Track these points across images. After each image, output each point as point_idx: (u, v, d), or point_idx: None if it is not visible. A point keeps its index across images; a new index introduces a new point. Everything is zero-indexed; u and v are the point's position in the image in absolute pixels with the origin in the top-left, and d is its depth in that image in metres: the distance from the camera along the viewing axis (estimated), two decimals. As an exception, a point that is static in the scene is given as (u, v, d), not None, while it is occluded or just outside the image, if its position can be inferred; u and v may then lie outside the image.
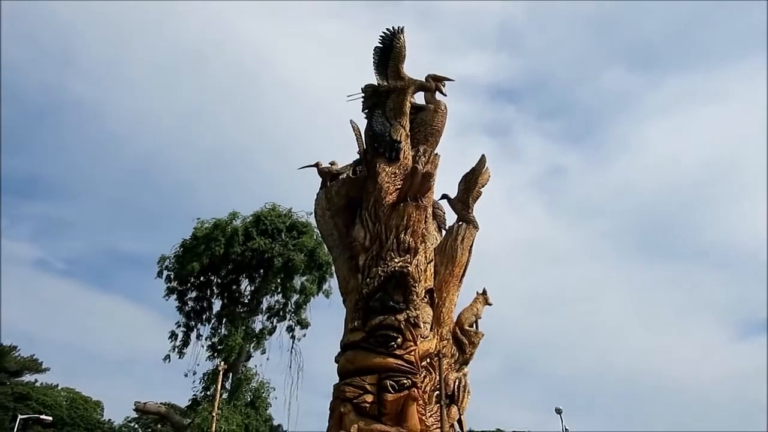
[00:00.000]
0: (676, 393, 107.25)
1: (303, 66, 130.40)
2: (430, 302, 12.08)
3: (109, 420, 60.01)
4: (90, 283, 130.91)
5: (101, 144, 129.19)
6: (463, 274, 13.33)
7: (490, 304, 13.99)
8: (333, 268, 15.26)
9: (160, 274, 33.81)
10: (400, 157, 12.80)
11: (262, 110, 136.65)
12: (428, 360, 11.45)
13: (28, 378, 57.54)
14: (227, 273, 33.79)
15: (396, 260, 11.39)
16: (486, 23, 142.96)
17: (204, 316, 33.82)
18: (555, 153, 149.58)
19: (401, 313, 10.97)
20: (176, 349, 32.85)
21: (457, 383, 12.50)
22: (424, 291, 11.86)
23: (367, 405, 10.40)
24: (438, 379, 10.81)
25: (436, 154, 13.50)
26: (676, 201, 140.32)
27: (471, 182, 13.94)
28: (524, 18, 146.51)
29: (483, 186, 14.20)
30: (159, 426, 52.00)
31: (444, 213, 14.50)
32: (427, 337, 11.50)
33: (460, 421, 12.38)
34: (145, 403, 32.90)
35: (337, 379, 11.19)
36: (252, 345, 32.84)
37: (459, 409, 12.32)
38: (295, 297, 33.87)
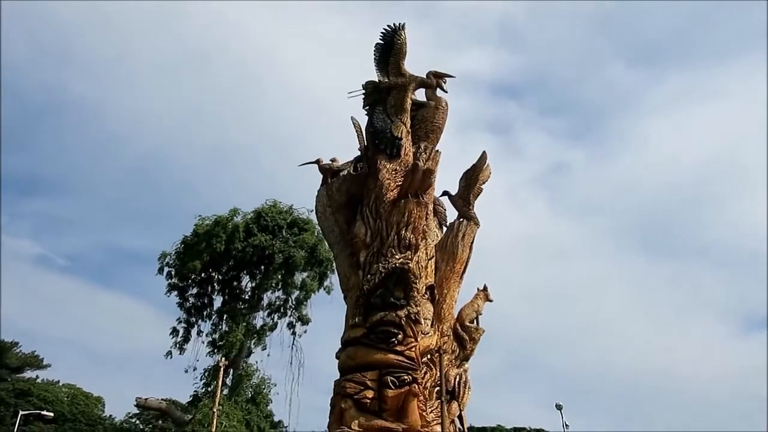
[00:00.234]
0: (677, 390, 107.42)
1: (304, 64, 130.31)
2: (431, 299, 12.10)
3: (111, 416, 60.16)
4: (91, 280, 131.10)
5: (102, 142, 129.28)
6: (463, 271, 13.35)
7: (490, 301, 14.01)
8: (334, 264, 15.28)
9: (161, 270, 33.91)
10: (401, 154, 12.80)
11: (263, 108, 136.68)
12: (429, 356, 11.47)
13: (29, 374, 57.71)
14: (228, 269, 33.85)
15: (397, 257, 11.40)
16: (487, 19, 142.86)
17: (205, 313, 33.91)
18: (557, 150, 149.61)
19: (402, 310, 11.01)
20: (177, 345, 32.93)
21: (457, 379, 12.53)
22: (424, 287, 11.89)
23: (368, 401, 10.44)
24: (439, 375, 10.84)
25: (437, 150, 13.50)
26: (677, 198, 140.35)
27: (472, 179, 13.96)
28: (525, 14, 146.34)
29: (484, 183, 14.21)
30: (160, 422, 52.09)
31: (445, 210, 14.51)
32: (427, 333, 11.53)
33: (460, 417, 12.42)
34: (146, 399, 33.00)
35: (337, 375, 11.22)
36: (253, 341, 32.89)
37: (460, 405, 12.35)
38: (296, 293, 33.92)
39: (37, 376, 57.94)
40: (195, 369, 32.04)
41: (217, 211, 34.28)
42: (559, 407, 40.91)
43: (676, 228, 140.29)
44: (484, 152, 14.05)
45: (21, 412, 42.45)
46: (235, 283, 34.21)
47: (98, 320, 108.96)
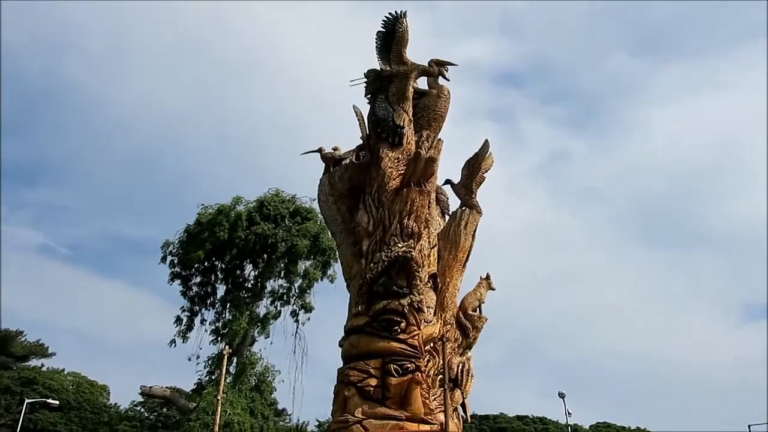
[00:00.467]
0: (677, 378, 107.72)
1: (306, 53, 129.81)
2: (434, 287, 12.12)
3: (116, 404, 60.48)
4: (94, 269, 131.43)
5: (104, 130, 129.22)
6: (466, 259, 13.36)
7: (493, 289, 14.02)
8: (337, 253, 15.30)
9: (164, 259, 33.95)
10: (403, 143, 12.79)
11: (266, 97, 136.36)
12: (432, 344, 11.51)
13: (34, 363, 57.96)
14: (231, 258, 33.86)
15: (399, 245, 11.42)
16: (488, 8, 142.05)
17: (208, 301, 33.94)
18: (559, 138, 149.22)
19: (405, 298, 11.03)
20: (181, 334, 33.00)
21: (460, 367, 12.57)
22: (427, 276, 11.90)
23: (371, 388, 10.49)
24: (442, 363, 10.88)
25: (439, 139, 13.49)
26: (678, 187, 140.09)
27: (474, 167, 13.93)
28: (526, 3, 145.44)
29: (486, 171, 14.18)
30: (165, 410, 52.41)
31: (447, 198, 14.51)
32: (430, 321, 11.56)
33: (463, 405, 12.47)
34: (150, 387, 33.16)
35: (341, 364, 11.28)
36: (256, 330, 32.96)
37: (462, 393, 12.40)
38: (299, 282, 33.93)
39: (42, 365, 58.23)
40: (198, 357, 32.16)
41: (220, 200, 34.30)
42: (561, 395, 41.11)
43: (678, 217, 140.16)
44: (486, 141, 14.02)
45: (27, 400, 42.72)
46: (238, 272, 34.21)
47: (102, 309, 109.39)
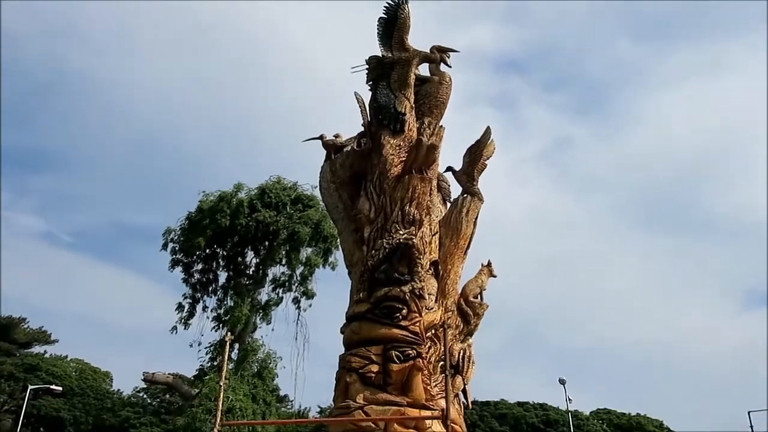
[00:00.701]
0: (679, 364, 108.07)
1: (308, 39, 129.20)
2: (435, 274, 12.14)
3: (119, 390, 60.86)
4: (96, 257, 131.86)
5: (107, 118, 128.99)
6: (467, 247, 13.37)
7: (494, 276, 14.04)
8: (338, 240, 15.31)
9: (165, 246, 33.99)
10: (404, 130, 12.76)
11: (267, 84, 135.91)
12: (433, 331, 11.54)
13: (37, 349, 58.26)
14: (233, 245, 33.89)
15: (401, 232, 11.42)
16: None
17: (210, 288, 34.01)
18: (562, 125, 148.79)
19: (406, 285, 11.05)
20: (182, 321, 33.09)
21: (461, 354, 12.61)
22: (428, 263, 11.92)
23: (373, 375, 10.53)
24: (443, 349, 10.91)
25: (441, 126, 13.46)
26: (682, 173, 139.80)
27: (476, 154, 13.91)
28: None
29: (488, 158, 14.16)
30: (167, 396, 52.76)
31: (449, 185, 14.50)
32: (431, 308, 11.59)
33: (464, 391, 12.53)
34: (153, 374, 33.36)
35: (342, 350, 11.32)
36: (259, 316, 33.06)
37: (464, 379, 12.45)
38: (301, 269, 33.98)
39: (45, 351, 58.54)
40: (200, 344, 32.27)
41: (221, 187, 34.29)
42: (562, 382, 41.34)
43: (681, 203, 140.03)
44: (488, 127, 13.98)
45: (30, 387, 42.96)
46: (239, 259, 34.26)
47: (104, 296, 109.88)
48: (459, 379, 12.32)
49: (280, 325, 33.18)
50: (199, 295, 33.81)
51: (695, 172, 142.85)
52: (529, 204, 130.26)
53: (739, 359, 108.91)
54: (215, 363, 30.94)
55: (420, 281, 11.24)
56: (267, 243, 33.73)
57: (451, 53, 13.82)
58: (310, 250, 34.10)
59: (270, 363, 32.33)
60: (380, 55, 13.32)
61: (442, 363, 11.26)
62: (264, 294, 34.05)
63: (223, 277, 34.23)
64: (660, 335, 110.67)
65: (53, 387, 45.06)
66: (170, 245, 33.94)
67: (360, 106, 13.50)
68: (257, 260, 34.33)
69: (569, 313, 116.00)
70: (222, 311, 32.90)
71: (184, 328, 32.94)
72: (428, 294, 11.56)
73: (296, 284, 34.01)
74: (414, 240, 11.35)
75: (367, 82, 13.55)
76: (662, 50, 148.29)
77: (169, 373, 34.93)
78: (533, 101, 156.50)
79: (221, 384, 10.71)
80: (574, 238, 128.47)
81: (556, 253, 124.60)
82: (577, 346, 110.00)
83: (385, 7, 13.18)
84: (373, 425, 10.10)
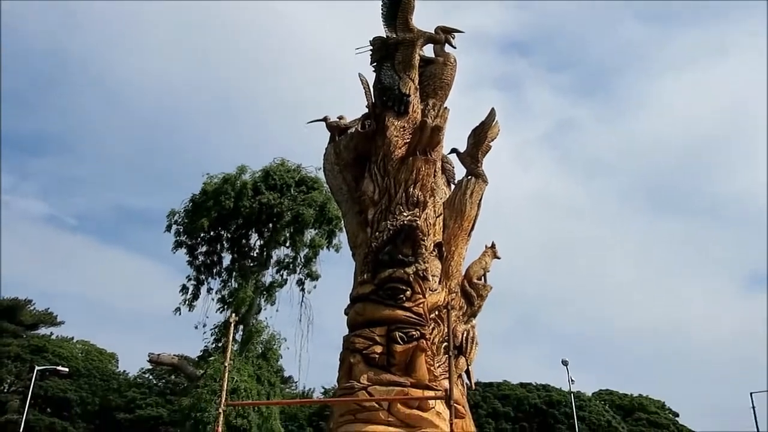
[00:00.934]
0: (681, 346, 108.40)
1: (310, 20, 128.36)
2: (439, 256, 12.16)
3: (124, 371, 61.40)
4: (100, 239, 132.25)
5: (110, 101, 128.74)
6: (471, 228, 13.37)
7: (498, 258, 14.06)
8: (342, 222, 15.33)
9: (169, 228, 34.06)
10: (409, 111, 12.70)
11: (272, 67, 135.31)
12: (437, 312, 11.58)
13: (43, 331, 58.69)
14: (237, 228, 33.94)
15: (405, 214, 11.42)
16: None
17: (214, 270, 34.13)
18: (566, 107, 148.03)
19: (410, 267, 11.06)
20: (187, 303, 33.27)
21: (465, 335, 12.67)
22: (432, 244, 11.93)
23: (377, 355, 10.58)
24: (446, 330, 10.95)
25: (446, 107, 13.39)
26: (686, 156, 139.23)
27: (480, 136, 13.86)
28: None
29: (492, 140, 14.12)
30: (173, 377, 53.21)
31: (453, 167, 14.47)
32: (435, 290, 11.62)
33: (468, 372, 12.60)
34: (158, 355, 33.62)
35: (346, 331, 11.37)
36: (263, 298, 33.20)
37: (467, 361, 12.51)
38: (305, 251, 34.03)
39: (51, 333, 59.00)
40: (205, 326, 32.47)
41: (225, 170, 34.25)
42: (565, 363, 41.60)
43: (685, 186, 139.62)
44: (492, 109, 13.92)
45: (37, 368, 43.34)
46: (243, 241, 34.33)
47: (109, 279, 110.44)
48: (462, 360, 12.39)
49: (285, 306, 33.36)
50: (203, 277, 33.95)
51: (698, 158, 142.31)
52: (533, 185, 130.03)
53: (742, 341, 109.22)
54: (220, 344, 31.16)
55: (424, 263, 11.26)
56: (271, 225, 33.75)
57: (455, 34, 13.71)
58: (314, 232, 34.14)
59: (274, 344, 32.53)
60: (384, 36, 13.22)
61: (445, 344, 11.31)
62: (268, 276, 34.21)
63: (227, 259, 34.37)
64: (663, 317, 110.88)
65: (60, 368, 45.46)
66: (174, 227, 34.03)
67: (364, 88, 13.44)
68: (261, 242, 34.42)
69: (572, 296, 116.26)
70: (226, 293, 33.05)
71: (189, 310, 33.17)
72: (432, 275, 11.59)
73: (300, 266, 34.12)
74: (418, 222, 11.35)
75: (371, 63, 13.46)
76: (667, 32, 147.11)
77: (174, 355, 35.19)
78: (538, 83, 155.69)
79: (226, 365, 10.77)
80: (577, 221, 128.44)
81: (558, 237, 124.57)
82: (580, 329, 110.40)
83: (389, -13, 13.05)
84: (376, 405, 10.17)
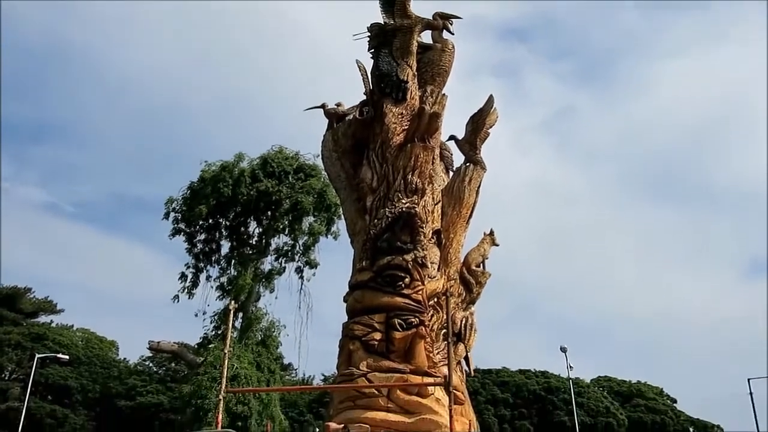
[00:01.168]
0: (680, 333, 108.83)
1: (310, 8, 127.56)
2: (438, 243, 12.16)
3: (125, 359, 61.54)
4: (99, 227, 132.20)
5: (110, 89, 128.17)
6: (470, 215, 13.37)
7: (497, 245, 14.07)
8: (341, 209, 15.30)
9: (167, 216, 33.97)
10: (407, 98, 12.66)
11: (269, 55, 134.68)
12: (436, 299, 11.61)
13: (43, 319, 58.72)
14: (235, 215, 33.88)
15: (403, 201, 11.42)
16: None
17: (213, 258, 34.09)
18: (565, 94, 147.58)
19: (409, 254, 11.08)
20: (186, 290, 33.25)
21: (464, 322, 12.70)
22: (431, 231, 11.93)
23: (376, 342, 10.62)
24: (445, 317, 10.98)
25: (444, 94, 13.34)
26: (685, 143, 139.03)
27: (478, 123, 13.83)
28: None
29: (491, 127, 14.08)
30: (173, 364, 53.39)
31: (451, 154, 14.44)
32: (434, 276, 11.63)
33: (466, 359, 12.65)
34: (158, 342, 33.61)
35: (345, 318, 11.39)
36: (262, 286, 33.20)
37: (466, 347, 12.56)
38: (304, 238, 33.99)
39: (51, 321, 59.02)
40: (205, 313, 32.49)
41: (224, 158, 34.15)
42: (563, 349, 41.66)
43: (685, 172, 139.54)
44: (491, 96, 13.88)
45: (37, 355, 43.38)
46: (242, 229, 34.27)
47: (108, 266, 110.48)
48: (461, 346, 12.43)
49: (284, 294, 33.37)
50: (202, 264, 33.90)
51: (697, 143, 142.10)
52: (532, 172, 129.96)
53: (740, 328, 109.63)
54: (219, 331, 31.20)
55: (422, 250, 11.27)
56: (270, 212, 33.69)
57: (453, 20, 13.64)
58: (312, 219, 34.06)
59: (274, 331, 32.57)
60: (382, 22, 13.14)
61: (444, 331, 11.35)
62: (267, 263, 34.17)
63: (226, 246, 34.30)
64: (661, 304, 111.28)
65: (60, 356, 45.46)
66: (172, 215, 33.94)
67: (362, 74, 13.37)
68: (260, 230, 34.35)
69: (570, 283, 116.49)
70: (225, 281, 33.03)
71: (189, 298, 33.12)
72: (431, 262, 11.60)
73: (299, 254, 34.07)
74: (416, 209, 11.35)
75: (369, 50, 13.40)
76: (666, 19, 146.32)
77: (174, 342, 35.22)
78: (537, 69, 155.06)
79: (226, 352, 10.79)
80: (576, 208, 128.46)
81: (557, 224, 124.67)
82: (579, 316, 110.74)
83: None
84: (376, 392, 10.22)
